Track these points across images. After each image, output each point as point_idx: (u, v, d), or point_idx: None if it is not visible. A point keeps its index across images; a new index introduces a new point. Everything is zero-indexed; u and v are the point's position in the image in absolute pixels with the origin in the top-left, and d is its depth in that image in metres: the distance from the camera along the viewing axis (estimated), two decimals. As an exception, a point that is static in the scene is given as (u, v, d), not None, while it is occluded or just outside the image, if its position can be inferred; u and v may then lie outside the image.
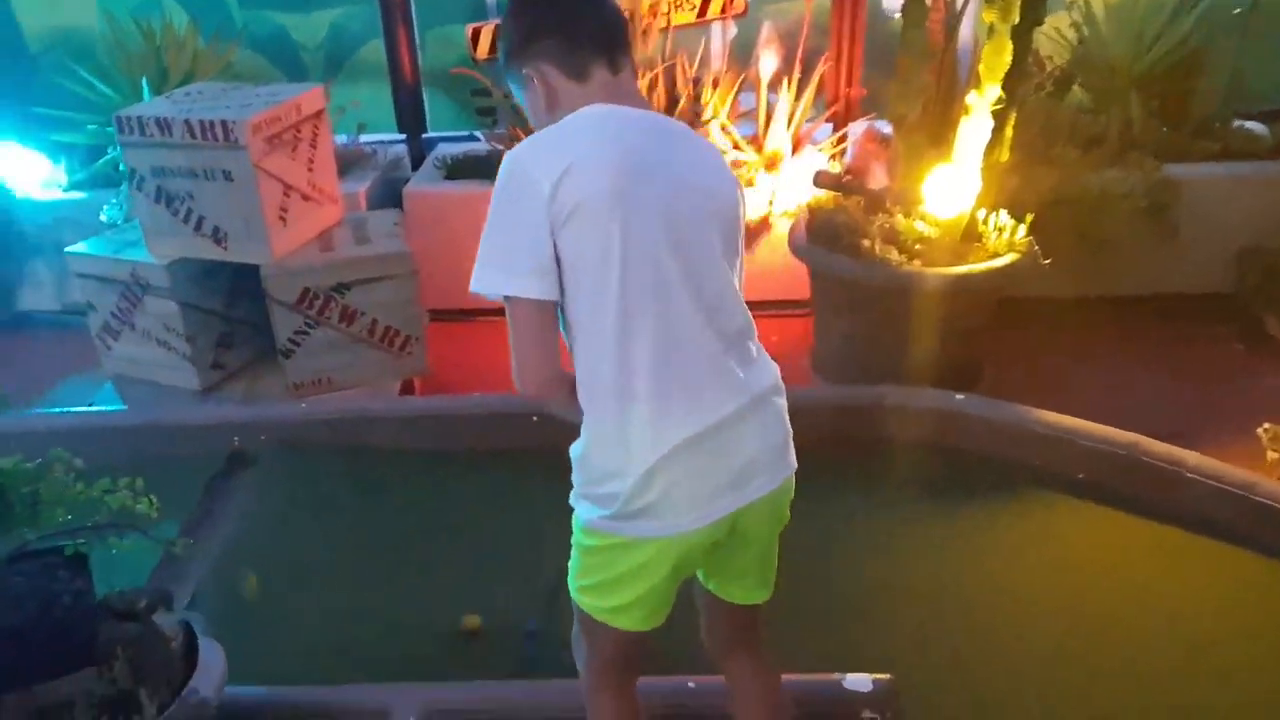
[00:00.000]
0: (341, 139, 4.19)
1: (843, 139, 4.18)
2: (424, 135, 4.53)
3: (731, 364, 1.43)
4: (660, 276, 1.36)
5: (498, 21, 4.43)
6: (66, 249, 3.31)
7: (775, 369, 1.52)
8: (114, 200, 3.80)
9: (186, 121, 2.94)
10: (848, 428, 2.98)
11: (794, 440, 1.52)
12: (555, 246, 1.33)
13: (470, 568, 2.57)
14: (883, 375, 3.15)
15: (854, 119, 4.24)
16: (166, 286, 3.15)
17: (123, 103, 3.75)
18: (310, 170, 3.25)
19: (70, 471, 1.59)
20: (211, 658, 1.72)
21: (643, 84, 4.04)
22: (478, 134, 4.38)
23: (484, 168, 4.09)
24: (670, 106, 4.15)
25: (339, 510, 2.87)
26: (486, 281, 1.34)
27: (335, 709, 1.99)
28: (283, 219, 3.13)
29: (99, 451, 3.00)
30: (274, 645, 2.35)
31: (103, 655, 1.63)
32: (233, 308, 3.37)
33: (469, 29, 4.16)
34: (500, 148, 4.05)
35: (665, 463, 1.38)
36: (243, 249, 3.12)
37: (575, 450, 1.48)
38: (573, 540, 1.53)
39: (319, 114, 3.26)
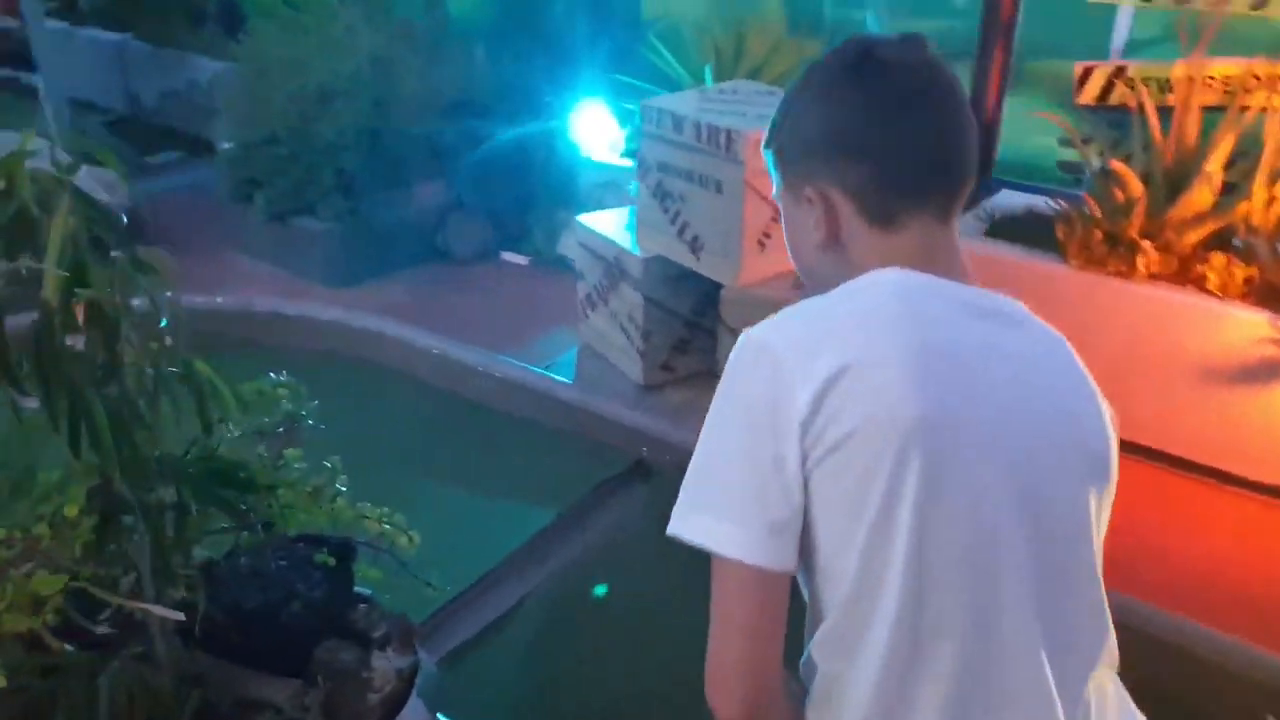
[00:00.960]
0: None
1: None
2: (988, 178, 3.93)
3: (1084, 714, 0.89)
4: (983, 567, 0.83)
5: (1115, 64, 3.73)
6: (577, 216, 3.45)
7: None
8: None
9: (697, 123, 2.79)
10: None
11: None
12: (806, 488, 0.84)
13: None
14: None
15: None
16: (638, 278, 3.11)
17: (688, 83, 3.78)
18: (813, 197, 2.93)
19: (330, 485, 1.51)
20: (407, 726, 1.56)
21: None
22: (1051, 190, 3.67)
23: (1036, 233, 3.40)
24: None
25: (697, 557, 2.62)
26: (691, 526, 0.89)
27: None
28: (762, 244, 2.87)
29: (536, 413, 3.23)
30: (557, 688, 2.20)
31: (312, 674, 1.55)
32: (700, 314, 3.23)
33: (1078, 68, 3.51)
34: (1062, 210, 3.32)
35: None
36: (712, 264, 2.94)
37: None
38: None
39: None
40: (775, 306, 2.76)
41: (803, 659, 0.92)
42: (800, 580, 0.91)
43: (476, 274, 4.52)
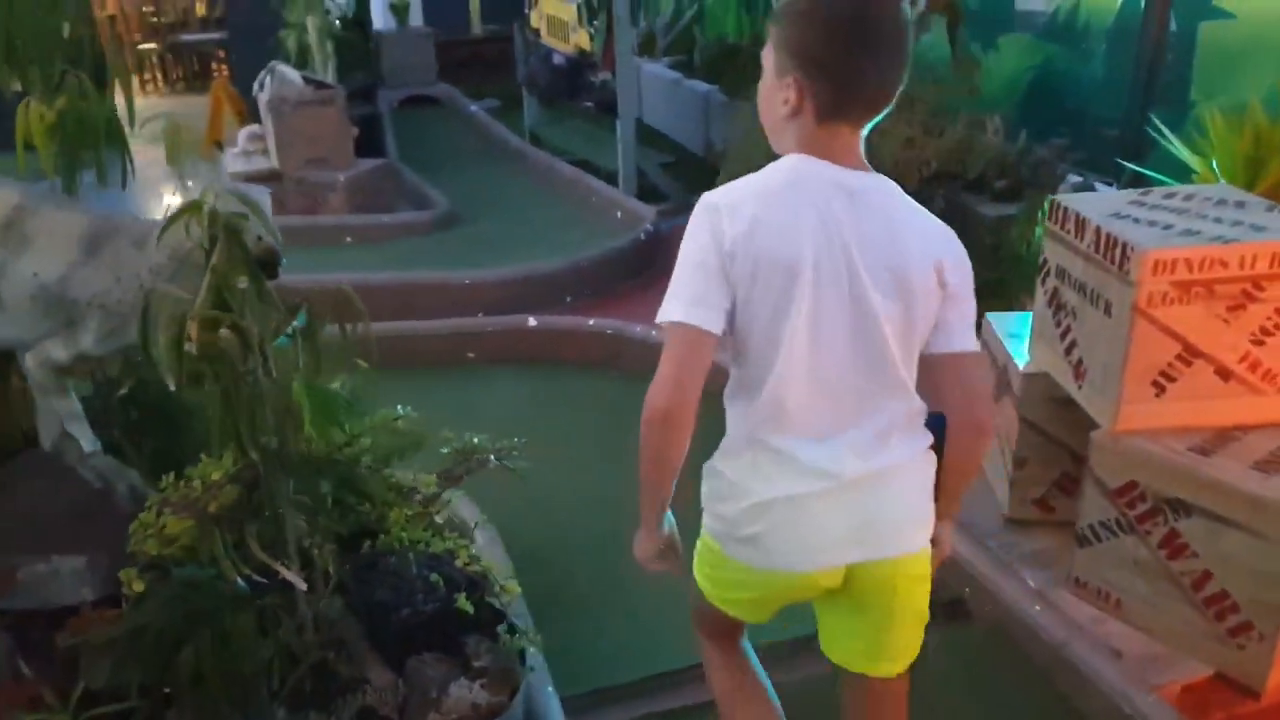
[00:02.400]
0: None
1: None
2: None
3: (876, 433, 1.43)
4: (824, 343, 1.39)
5: None
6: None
7: (920, 448, 1.47)
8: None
9: (1098, 229, 2.31)
10: None
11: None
12: (734, 292, 1.37)
13: None
14: None
15: None
16: (1019, 394, 2.68)
17: (1195, 178, 3.12)
18: (1258, 344, 2.24)
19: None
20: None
21: None
22: None
23: None
24: None
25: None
26: (666, 312, 1.37)
27: None
28: (1158, 386, 2.27)
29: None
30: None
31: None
32: (1099, 454, 2.68)
33: None
34: None
35: (782, 503, 1.43)
36: (1091, 397, 2.41)
37: (710, 463, 1.52)
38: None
39: (1318, 274, 2.17)
40: (1149, 466, 2.14)
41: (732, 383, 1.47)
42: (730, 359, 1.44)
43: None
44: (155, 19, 10.97)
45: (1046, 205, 2.57)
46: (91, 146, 1.87)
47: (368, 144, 7.03)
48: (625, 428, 2.71)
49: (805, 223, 1.33)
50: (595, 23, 6.53)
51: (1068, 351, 2.53)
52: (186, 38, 10.36)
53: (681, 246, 1.37)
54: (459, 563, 1.64)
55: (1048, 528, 2.76)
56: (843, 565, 1.43)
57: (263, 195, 1.63)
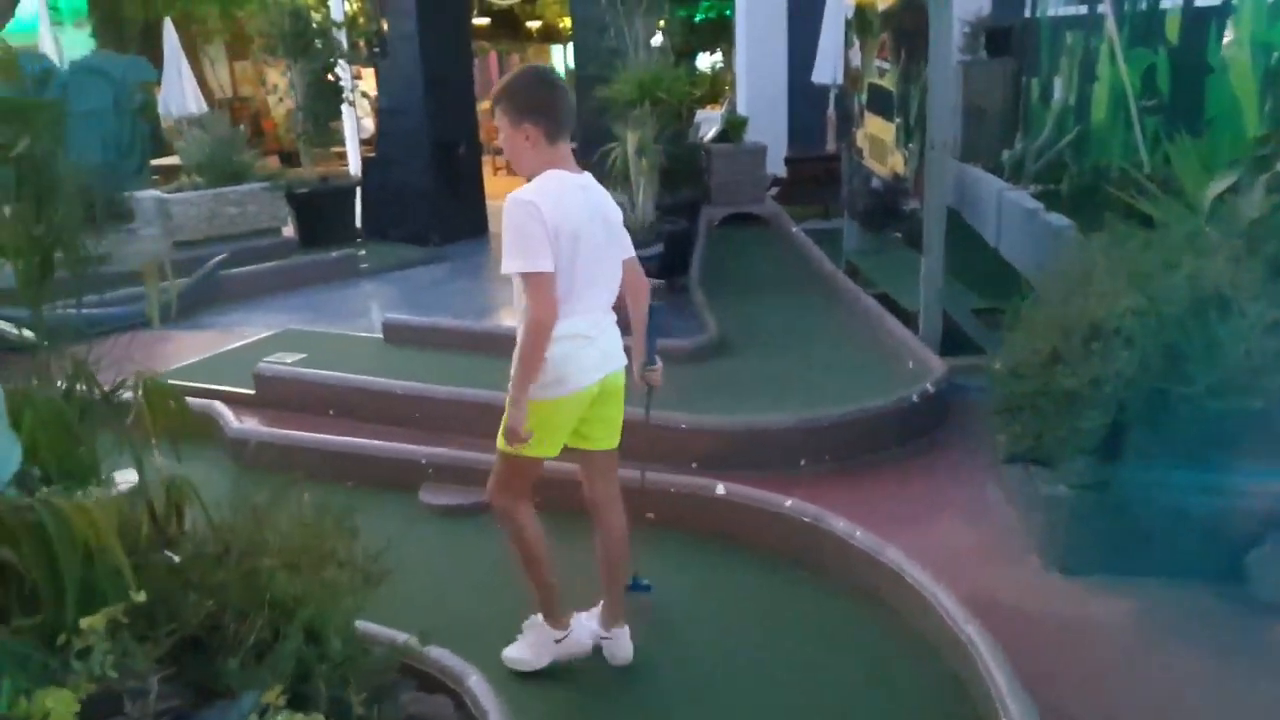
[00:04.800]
0: None
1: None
2: None
3: (606, 309, 2.76)
4: (587, 268, 2.64)
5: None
6: None
7: (614, 317, 2.82)
8: None
9: None
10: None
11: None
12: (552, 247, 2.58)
13: None
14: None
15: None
16: None
17: None
18: None
19: None
20: None
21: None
22: None
23: None
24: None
25: None
26: (515, 266, 2.55)
27: None
28: None
29: None
30: None
31: None
32: None
33: None
34: None
35: (573, 354, 2.66)
36: None
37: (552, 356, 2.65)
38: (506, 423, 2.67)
39: None
40: None
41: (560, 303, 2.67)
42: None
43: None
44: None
45: None
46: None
47: (675, 262, 6.79)
48: (801, 659, 3.01)
49: (574, 208, 2.61)
50: (911, 145, 5.70)
51: None
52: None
53: (519, 225, 2.53)
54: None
55: None
56: (601, 378, 2.74)
57: None
